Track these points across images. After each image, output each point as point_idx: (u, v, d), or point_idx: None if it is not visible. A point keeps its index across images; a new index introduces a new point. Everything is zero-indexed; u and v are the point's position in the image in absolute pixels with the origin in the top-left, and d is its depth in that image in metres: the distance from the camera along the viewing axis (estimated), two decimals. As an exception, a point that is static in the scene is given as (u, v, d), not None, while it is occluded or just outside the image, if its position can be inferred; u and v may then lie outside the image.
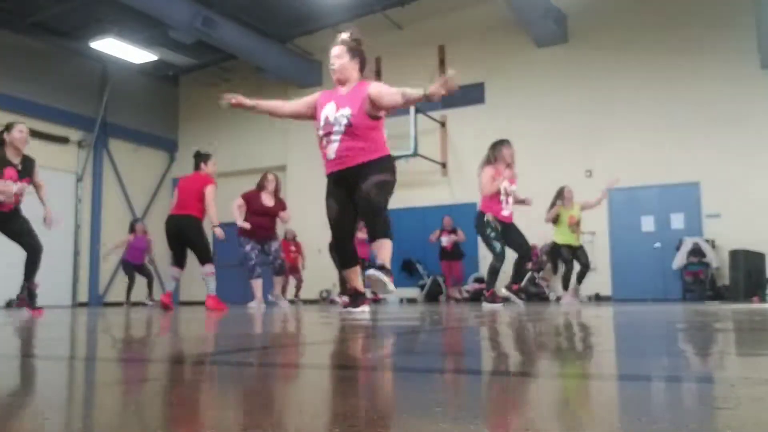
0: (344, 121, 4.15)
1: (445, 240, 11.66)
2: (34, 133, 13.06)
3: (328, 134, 4.20)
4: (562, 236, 8.76)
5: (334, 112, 4.21)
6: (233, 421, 0.72)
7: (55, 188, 14.84)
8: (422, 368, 1.31)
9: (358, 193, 4.08)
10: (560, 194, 8.84)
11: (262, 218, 7.87)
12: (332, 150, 4.19)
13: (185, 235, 6.80)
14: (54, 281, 13.30)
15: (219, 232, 6.84)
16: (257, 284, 7.90)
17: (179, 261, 6.97)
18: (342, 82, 4.38)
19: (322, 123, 4.23)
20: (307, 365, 1.36)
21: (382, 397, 0.92)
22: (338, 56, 4.44)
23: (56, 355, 1.79)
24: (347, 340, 2.14)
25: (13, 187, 5.71)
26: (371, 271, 3.96)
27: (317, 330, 2.80)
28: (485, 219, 6.89)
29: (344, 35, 4.54)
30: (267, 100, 4.74)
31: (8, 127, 5.84)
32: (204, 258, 6.86)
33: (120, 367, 1.38)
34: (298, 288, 12.11)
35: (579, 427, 0.66)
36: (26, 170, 5.84)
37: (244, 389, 1.00)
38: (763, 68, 10.84)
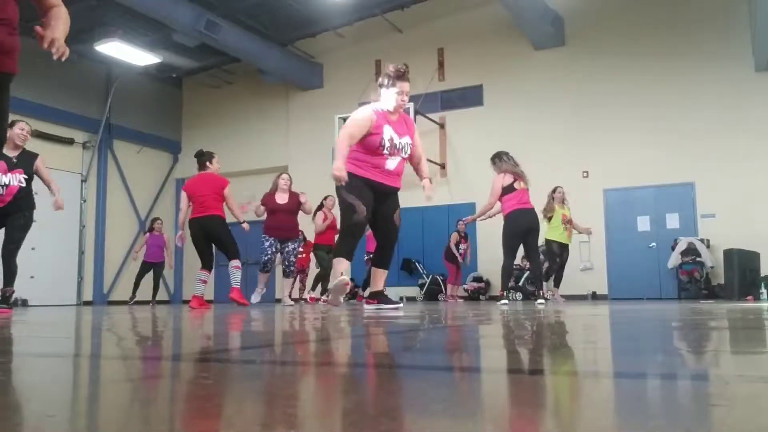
0: (408, 149, 4.80)
1: (463, 247, 11.70)
2: (40, 135, 13.26)
3: (392, 153, 4.73)
4: (554, 232, 9.00)
5: (398, 138, 4.74)
6: (233, 418, 0.73)
7: (60, 189, 15.01)
8: (422, 365, 1.31)
9: (387, 216, 4.81)
10: (552, 193, 9.08)
11: (280, 215, 8.13)
12: (393, 164, 4.76)
13: (213, 234, 7.01)
14: (59, 280, 13.49)
15: (246, 226, 7.20)
16: (264, 277, 8.31)
17: (207, 263, 7.11)
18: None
19: (387, 143, 4.67)
20: (306, 363, 1.35)
21: (382, 394, 0.92)
22: (408, 93, 4.90)
23: (67, 353, 1.80)
24: (346, 338, 2.18)
25: (3, 178, 5.80)
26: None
27: (319, 328, 2.81)
28: None
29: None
30: (342, 153, 4.72)
31: (11, 124, 5.93)
32: (233, 254, 7.08)
33: (123, 365, 1.38)
34: (301, 289, 12.23)
35: (575, 424, 0.66)
36: (21, 163, 5.93)
37: (245, 387, 1.01)
38: (757, 71, 10.99)
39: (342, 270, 4.73)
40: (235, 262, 7.11)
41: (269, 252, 8.11)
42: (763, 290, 9.81)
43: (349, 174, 4.59)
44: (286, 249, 8.19)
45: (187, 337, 2.38)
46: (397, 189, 4.91)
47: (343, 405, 0.83)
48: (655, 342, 1.92)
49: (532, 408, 0.78)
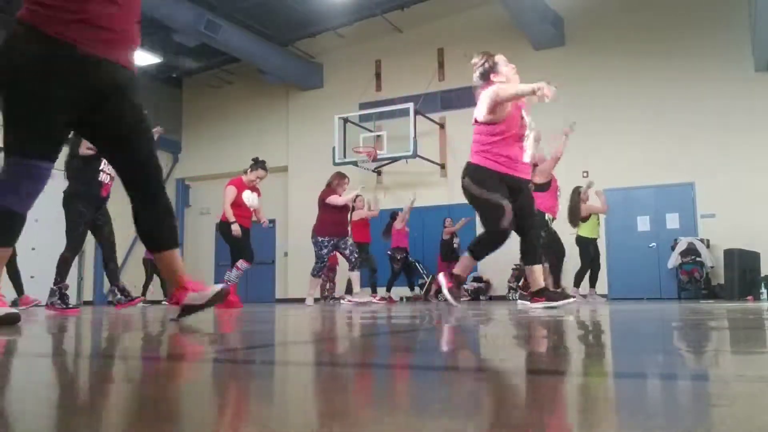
0: (533, 133, 4.38)
1: (456, 241, 11.81)
2: None
3: (522, 137, 4.30)
4: (590, 230, 8.91)
5: (527, 116, 4.34)
6: (232, 417, 0.74)
7: (60, 189, 15.05)
8: (422, 365, 1.31)
9: (525, 210, 4.35)
10: (579, 195, 8.93)
11: (343, 214, 8.16)
12: (528, 154, 4.34)
13: (224, 240, 7.23)
14: (59, 280, 13.49)
15: (236, 228, 7.01)
16: (316, 282, 8.22)
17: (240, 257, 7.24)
18: None
19: (526, 117, 4.30)
20: (306, 362, 1.35)
21: (382, 394, 0.93)
22: None
23: (67, 353, 1.81)
24: (348, 338, 2.20)
25: (107, 167, 5.70)
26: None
27: (328, 327, 2.82)
28: (545, 219, 6.67)
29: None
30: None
31: None
32: (236, 258, 7.17)
33: (126, 365, 1.39)
34: (331, 289, 12.28)
35: (575, 424, 0.67)
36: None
37: (245, 387, 1.01)
38: (756, 71, 11.00)
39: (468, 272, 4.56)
40: (239, 263, 7.15)
41: (326, 259, 8.07)
42: (764, 290, 9.81)
43: (485, 169, 4.24)
44: (348, 245, 8.12)
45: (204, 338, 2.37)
46: (529, 181, 4.50)
47: (345, 405, 0.84)
48: (655, 342, 1.92)
49: (532, 408, 0.78)
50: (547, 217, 6.73)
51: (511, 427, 0.66)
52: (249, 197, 7.25)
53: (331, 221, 8.02)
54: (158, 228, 2.69)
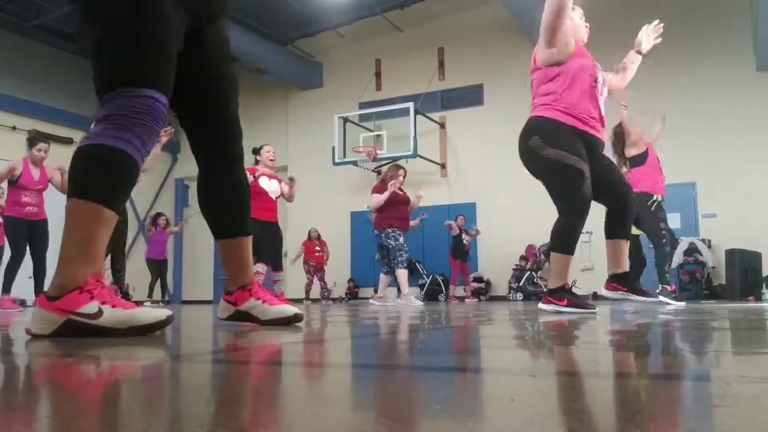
0: (606, 87, 3.55)
1: (466, 238, 11.74)
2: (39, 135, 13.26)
3: (597, 85, 3.50)
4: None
5: (597, 70, 3.57)
6: (234, 418, 0.73)
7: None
8: (422, 366, 1.30)
9: (609, 174, 3.54)
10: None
11: (403, 208, 7.59)
12: (603, 107, 3.54)
13: None
14: (58, 280, 13.46)
15: None
16: (404, 274, 7.42)
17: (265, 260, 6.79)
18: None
19: (597, 64, 3.55)
20: (304, 364, 1.33)
21: (381, 395, 0.92)
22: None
23: (65, 354, 1.78)
24: (346, 338, 2.17)
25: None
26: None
27: (322, 328, 2.85)
28: (656, 201, 5.57)
29: None
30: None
31: None
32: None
33: (125, 366, 1.37)
34: (323, 287, 12.24)
35: (576, 425, 0.66)
36: None
37: (246, 387, 1.00)
38: (758, 70, 10.97)
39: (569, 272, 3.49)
40: (257, 266, 6.55)
41: (406, 247, 7.38)
42: (765, 290, 9.78)
43: (557, 123, 3.35)
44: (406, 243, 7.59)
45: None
46: (603, 144, 3.59)
47: (344, 406, 0.83)
48: (656, 342, 1.89)
49: (534, 409, 0.76)
50: (655, 198, 5.56)
51: (511, 427, 0.66)
52: (267, 183, 6.53)
53: (387, 216, 7.42)
54: (225, 207, 2.23)
